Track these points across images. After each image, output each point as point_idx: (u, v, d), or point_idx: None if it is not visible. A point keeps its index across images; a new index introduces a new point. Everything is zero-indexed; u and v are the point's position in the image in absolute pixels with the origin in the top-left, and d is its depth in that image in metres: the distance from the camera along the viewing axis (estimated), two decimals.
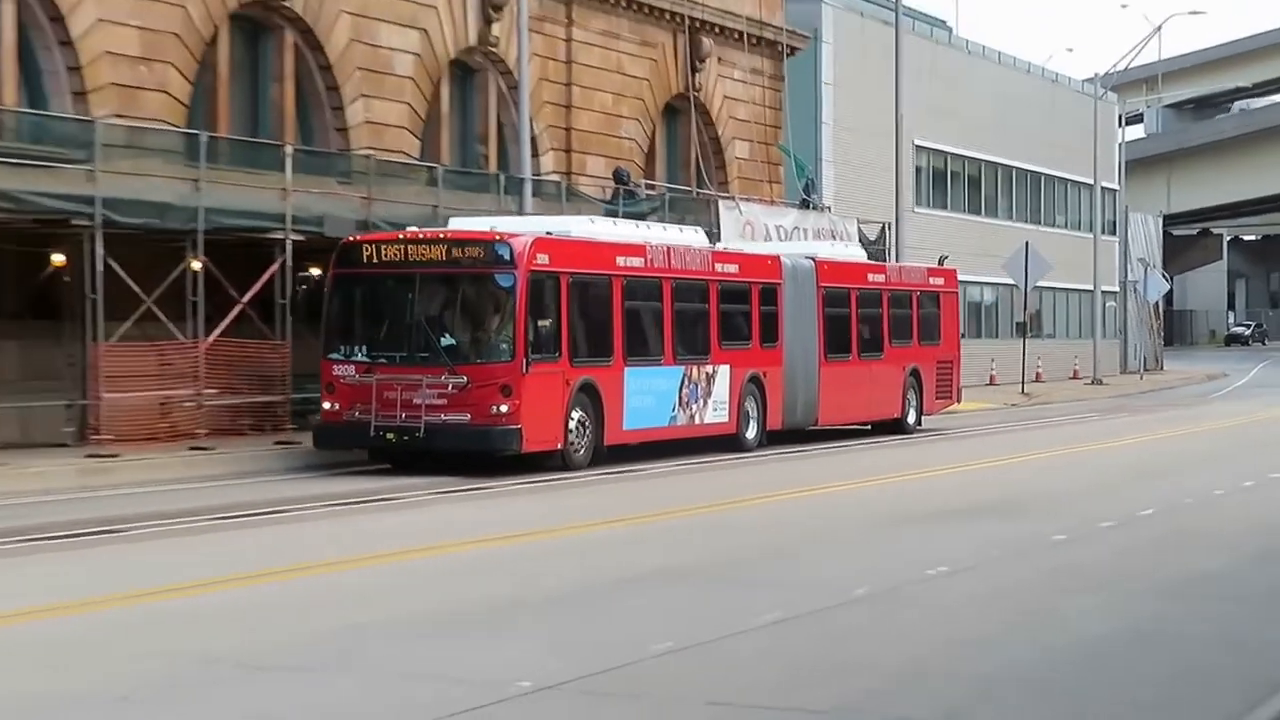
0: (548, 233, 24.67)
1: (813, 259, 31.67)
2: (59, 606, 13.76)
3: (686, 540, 19.12)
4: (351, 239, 24.44)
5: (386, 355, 22.85)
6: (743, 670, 11.15)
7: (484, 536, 18.85)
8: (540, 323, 22.49)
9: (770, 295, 29.30)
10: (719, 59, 45.13)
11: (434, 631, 12.92)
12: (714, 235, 36.36)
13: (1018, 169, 62.36)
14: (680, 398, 26.14)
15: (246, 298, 27.16)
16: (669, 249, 26.70)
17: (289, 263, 27.36)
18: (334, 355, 23.07)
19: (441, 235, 23.94)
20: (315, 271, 26.06)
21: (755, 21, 46.84)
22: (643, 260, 25.51)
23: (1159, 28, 71.21)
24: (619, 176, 40.29)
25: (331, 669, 11.48)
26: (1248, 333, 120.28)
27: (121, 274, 24.97)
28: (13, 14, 27.04)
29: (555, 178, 38.92)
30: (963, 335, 52.69)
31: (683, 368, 26.20)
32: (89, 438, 24.24)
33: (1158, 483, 26.19)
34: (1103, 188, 67.00)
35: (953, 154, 57.94)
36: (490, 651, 11.78)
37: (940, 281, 37.56)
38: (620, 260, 25.00)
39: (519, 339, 21.88)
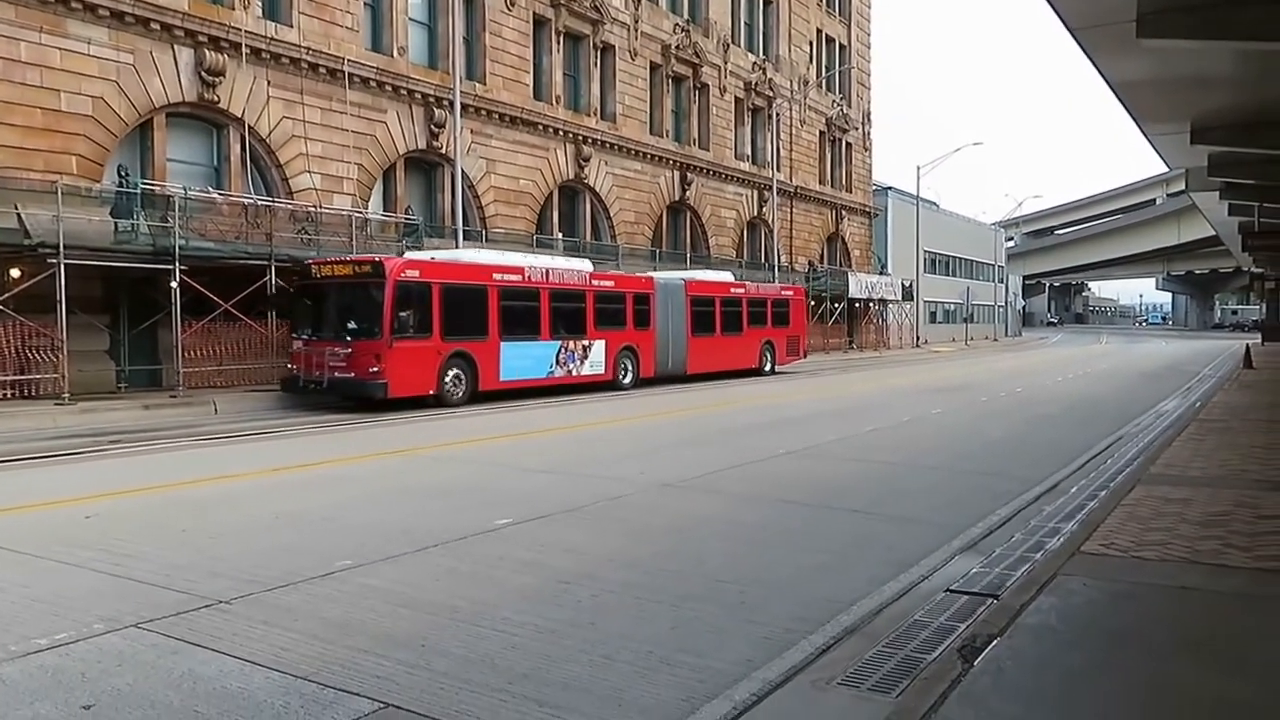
0: (432, 258, 19.25)
1: (684, 280, 25.59)
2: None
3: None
4: (307, 261, 18.75)
5: (315, 334, 17.66)
6: (863, 447, 12.16)
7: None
8: (406, 314, 17.08)
9: (644, 299, 23.33)
10: (849, 219, 51.66)
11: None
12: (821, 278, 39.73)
13: (964, 258, 69.33)
14: (558, 359, 20.54)
15: None
16: (548, 270, 20.73)
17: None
18: (295, 334, 18.14)
19: (349, 259, 18.56)
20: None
21: (862, 204, 53.36)
22: (520, 276, 19.77)
23: (1020, 204, 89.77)
24: (810, 264, 46.11)
25: (706, 444, 12.24)
26: (1056, 321, 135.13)
27: None
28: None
29: (785, 265, 43.34)
30: (940, 322, 63.78)
31: (559, 342, 20.58)
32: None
33: (1023, 378, 26.15)
34: (998, 266, 78.00)
35: (938, 252, 63.82)
36: (759, 441, 12.09)
37: (790, 294, 30.55)
38: (497, 276, 19.27)
39: (386, 325, 16.78)
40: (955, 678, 4.06)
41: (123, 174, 18.70)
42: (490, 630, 4.94)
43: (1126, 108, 14.78)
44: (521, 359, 19.65)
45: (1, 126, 17.70)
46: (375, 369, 16.90)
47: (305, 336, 17.92)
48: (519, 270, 19.97)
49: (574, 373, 21.10)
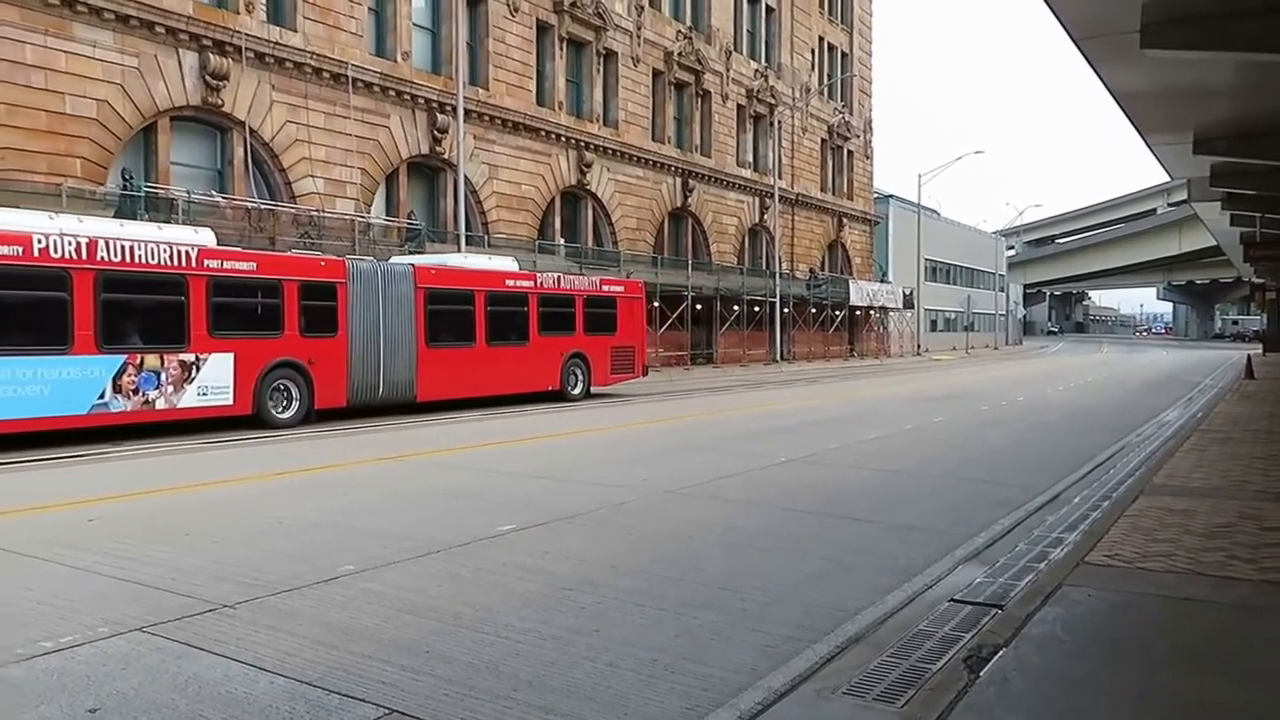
0: None
1: (413, 266, 17.93)
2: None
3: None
4: None
5: None
6: (864, 454, 12.10)
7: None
8: None
9: (323, 291, 15.92)
10: (850, 227, 51.46)
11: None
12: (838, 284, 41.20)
13: (965, 267, 69.54)
14: (119, 385, 13.14)
15: None
16: (95, 241, 12.94)
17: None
18: None
19: None
20: None
21: (864, 212, 53.24)
22: (19, 249, 12.12)
23: (1021, 212, 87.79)
24: (811, 270, 46.14)
25: (707, 451, 12.24)
26: (1057, 330, 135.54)
27: None
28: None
29: (787, 271, 43.27)
30: (941, 330, 63.97)
31: (121, 356, 13.21)
32: None
33: (1025, 387, 25.83)
34: (999, 274, 79.05)
35: (939, 261, 63.77)
36: (763, 448, 12.01)
37: (621, 290, 22.52)
38: None
39: None
40: (961, 688, 4.05)
41: (127, 177, 18.81)
42: (494, 636, 4.94)
43: (1129, 117, 14.83)
44: (26, 385, 12.43)
45: (5, 129, 17.75)
46: None
47: None
48: (19, 240, 12.32)
49: (159, 404, 13.80)
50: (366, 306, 16.64)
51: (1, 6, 17.60)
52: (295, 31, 22.85)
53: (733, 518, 8.06)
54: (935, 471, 10.76)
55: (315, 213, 22.28)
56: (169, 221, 18.15)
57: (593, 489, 9.31)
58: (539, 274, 20.89)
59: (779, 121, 43.67)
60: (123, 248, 13.39)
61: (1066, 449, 12.81)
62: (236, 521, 7.74)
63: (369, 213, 24.59)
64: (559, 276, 21.37)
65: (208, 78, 20.95)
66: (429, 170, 27.38)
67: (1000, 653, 4.45)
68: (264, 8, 22.38)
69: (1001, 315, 79.20)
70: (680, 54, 37.09)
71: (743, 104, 41.71)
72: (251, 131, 21.88)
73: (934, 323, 64.23)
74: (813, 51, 47.73)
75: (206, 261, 14.37)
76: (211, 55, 20.96)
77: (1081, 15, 10.16)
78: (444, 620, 5.18)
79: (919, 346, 56.56)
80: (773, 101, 43.34)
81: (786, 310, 41.15)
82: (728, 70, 40.39)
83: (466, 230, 24.97)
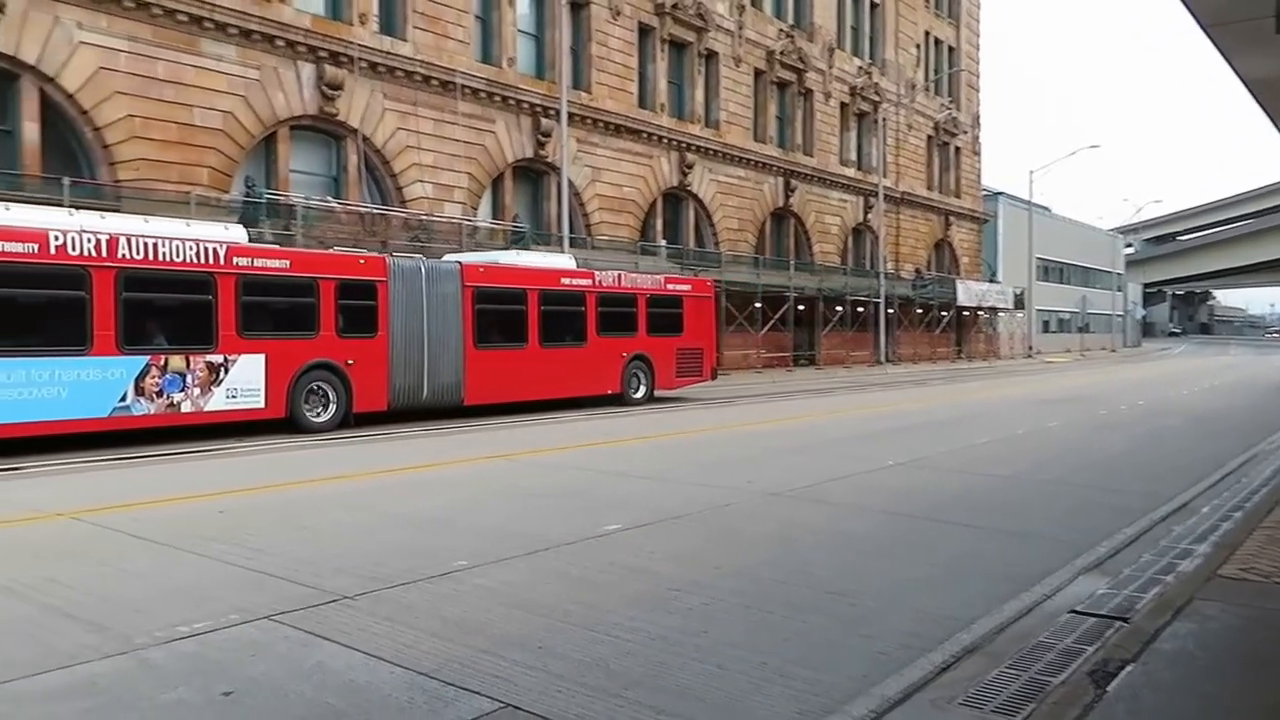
0: None
1: (459, 264, 16.97)
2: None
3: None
4: None
5: None
6: (975, 459, 11.81)
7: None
8: None
9: (363, 290, 15.21)
10: (957, 226, 50.36)
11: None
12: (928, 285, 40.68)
13: (1080, 266, 66.53)
14: (141, 388, 12.64)
15: None
16: (111, 239, 12.39)
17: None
18: None
19: None
20: None
21: (971, 210, 52.03)
22: (35, 247, 11.66)
23: (1140, 209, 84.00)
24: (917, 270, 45.71)
25: (812, 453, 12.22)
26: (1179, 331, 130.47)
27: None
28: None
29: (892, 271, 42.64)
30: (1054, 332, 61.88)
31: (144, 358, 12.69)
32: None
33: (1146, 390, 25.08)
34: (1116, 273, 76.64)
35: (1051, 260, 61.14)
36: (869, 451, 11.97)
37: (688, 288, 21.22)
38: None
39: None
40: (1087, 704, 3.88)
41: (250, 185, 19.71)
42: (603, 635, 4.99)
43: (1262, 107, 14.06)
44: (43, 386, 11.91)
45: (140, 141, 18.76)
46: None
47: None
48: (35, 237, 11.84)
49: (185, 407, 13.24)
50: (409, 306, 15.92)
51: (136, 25, 18.66)
52: (405, 41, 23.54)
53: (839, 521, 7.95)
54: (1050, 477, 10.39)
55: (424, 216, 22.90)
56: (288, 228, 18.93)
57: (696, 490, 9.31)
58: (597, 272, 19.66)
59: (883, 119, 42.86)
60: (145, 245, 12.81)
61: (1192, 455, 12.23)
62: (347, 517, 7.99)
63: (475, 216, 25.14)
64: (619, 275, 20.24)
65: (324, 88, 21.77)
66: (533, 174, 27.83)
67: (1128, 667, 4.26)
68: (376, 19, 23.13)
69: (1119, 316, 76.07)
70: (782, 53, 36.78)
71: (846, 102, 41.11)
72: (364, 139, 22.64)
73: (1046, 324, 62.08)
74: (918, 46, 46.71)
75: (236, 259, 13.79)
76: (327, 66, 21.79)
77: (1211, 2, 9.67)
78: (554, 617, 5.25)
79: (1030, 348, 54.77)
80: (877, 99, 42.58)
81: (891, 311, 40.34)
82: (830, 68, 39.86)
83: (570, 233, 25.27)
